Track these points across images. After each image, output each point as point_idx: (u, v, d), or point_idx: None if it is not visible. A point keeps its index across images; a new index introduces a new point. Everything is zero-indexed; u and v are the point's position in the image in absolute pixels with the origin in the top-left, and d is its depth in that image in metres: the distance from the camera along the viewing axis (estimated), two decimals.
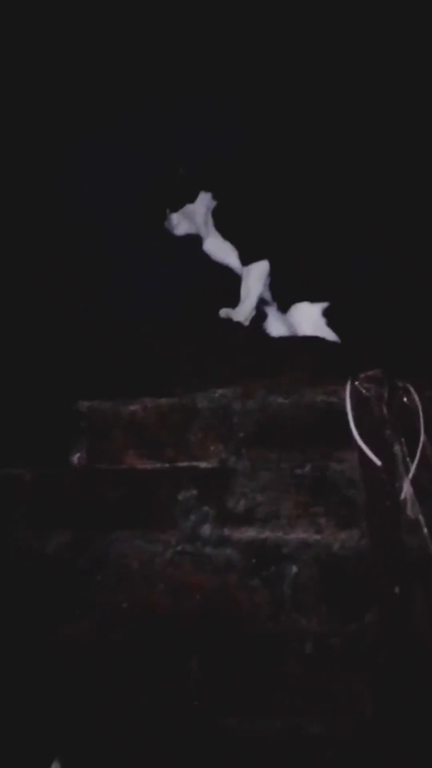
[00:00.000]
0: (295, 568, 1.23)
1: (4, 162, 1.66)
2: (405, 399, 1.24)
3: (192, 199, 1.57)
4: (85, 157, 1.69)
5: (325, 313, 1.46)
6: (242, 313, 1.46)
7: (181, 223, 1.59)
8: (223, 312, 1.50)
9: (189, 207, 1.58)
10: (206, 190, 1.58)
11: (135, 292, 1.60)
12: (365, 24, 1.69)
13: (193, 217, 1.58)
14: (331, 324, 1.45)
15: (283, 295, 1.50)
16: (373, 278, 1.49)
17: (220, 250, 1.53)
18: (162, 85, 1.74)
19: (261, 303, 1.53)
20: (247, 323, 1.49)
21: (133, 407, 1.38)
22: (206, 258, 1.57)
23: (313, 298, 1.47)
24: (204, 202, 1.57)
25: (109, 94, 1.74)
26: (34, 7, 1.72)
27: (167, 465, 1.34)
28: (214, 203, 1.56)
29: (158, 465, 1.35)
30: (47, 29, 1.74)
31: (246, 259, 1.49)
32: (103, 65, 1.74)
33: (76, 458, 1.38)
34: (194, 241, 1.60)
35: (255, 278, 1.47)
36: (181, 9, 1.73)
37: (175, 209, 1.59)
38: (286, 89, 1.72)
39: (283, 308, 1.50)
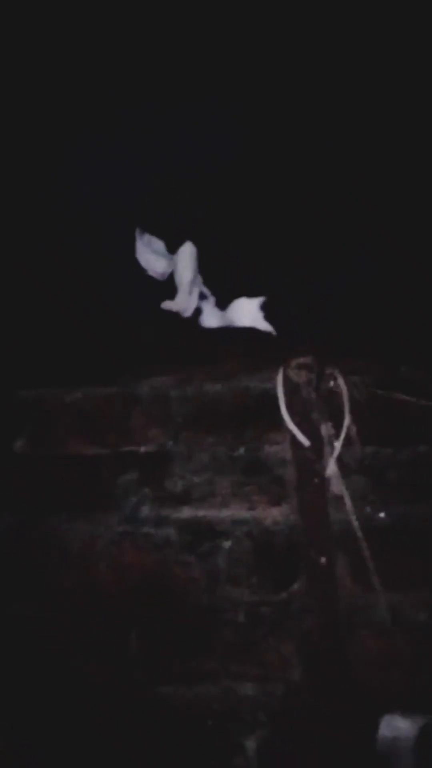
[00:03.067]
0: (228, 544, 1.37)
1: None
2: (332, 384, 1.39)
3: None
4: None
5: (263, 307, 1.61)
6: (180, 301, 1.60)
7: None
8: (165, 304, 1.64)
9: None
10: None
11: (79, 283, 1.72)
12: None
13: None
14: (267, 317, 1.60)
15: (221, 290, 1.64)
16: (307, 273, 1.65)
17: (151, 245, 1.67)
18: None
19: (200, 297, 1.67)
20: (188, 314, 1.62)
21: (76, 395, 1.51)
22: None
23: (250, 293, 1.62)
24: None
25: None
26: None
27: (109, 450, 1.47)
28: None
29: (100, 451, 1.47)
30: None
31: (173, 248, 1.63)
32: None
33: (19, 445, 1.50)
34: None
35: (183, 264, 1.60)
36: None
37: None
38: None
39: (221, 304, 1.65)
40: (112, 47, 1.83)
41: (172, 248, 1.66)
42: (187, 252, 1.59)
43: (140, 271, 1.68)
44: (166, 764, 1.30)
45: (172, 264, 1.61)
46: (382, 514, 1.35)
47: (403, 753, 1.25)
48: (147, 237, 1.67)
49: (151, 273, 1.65)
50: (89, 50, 1.83)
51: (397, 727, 1.27)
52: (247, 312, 1.60)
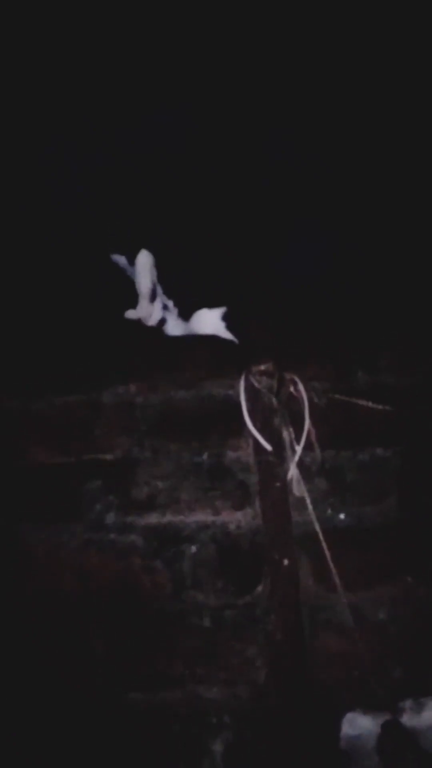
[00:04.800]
0: (193, 549, 1.39)
1: None
2: (292, 389, 1.44)
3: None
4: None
5: (224, 317, 1.65)
6: (142, 309, 1.63)
7: None
8: (129, 313, 1.67)
9: None
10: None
11: (42, 294, 1.74)
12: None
13: None
14: (228, 326, 1.65)
15: (183, 302, 1.69)
16: (266, 282, 1.71)
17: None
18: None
19: (164, 308, 1.71)
20: (152, 322, 1.66)
21: (39, 404, 1.52)
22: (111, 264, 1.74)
23: (211, 304, 1.66)
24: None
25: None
26: None
27: (73, 459, 1.48)
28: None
29: (64, 459, 1.48)
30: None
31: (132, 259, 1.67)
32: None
33: None
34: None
35: (141, 272, 1.64)
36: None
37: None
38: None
39: (184, 315, 1.69)
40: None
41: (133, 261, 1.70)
42: (144, 260, 1.63)
43: (103, 281, 1.71)
44: None
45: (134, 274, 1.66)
46: (342, 516, 1.39)
47: (366, 750, 1.29)
48: (114, 257, 1.70)
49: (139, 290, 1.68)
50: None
51: (359, 725, 1.30)
52: (209, 322, 1.64)
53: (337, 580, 1.34)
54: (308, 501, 1.38)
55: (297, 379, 1.42)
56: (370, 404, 1.40)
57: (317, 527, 1.36)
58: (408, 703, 1.31)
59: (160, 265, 1.69)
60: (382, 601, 1.36)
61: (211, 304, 1.63)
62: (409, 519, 1.39)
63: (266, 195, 1.91)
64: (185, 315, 1.66)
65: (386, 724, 1.29)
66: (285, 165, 1.94)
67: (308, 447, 1.40)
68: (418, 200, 1.88)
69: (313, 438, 1.40)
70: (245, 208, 1.87)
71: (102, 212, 1.82)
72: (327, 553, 1.35)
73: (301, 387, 1.41)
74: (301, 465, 1.39)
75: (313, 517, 1.37)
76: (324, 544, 1.35)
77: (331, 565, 1.34)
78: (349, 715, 1.31)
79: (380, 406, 1.39)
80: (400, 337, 1.50)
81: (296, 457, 1.39)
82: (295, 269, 1.75)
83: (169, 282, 1.68)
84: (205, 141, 1.94)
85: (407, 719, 1.29)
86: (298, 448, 1.39)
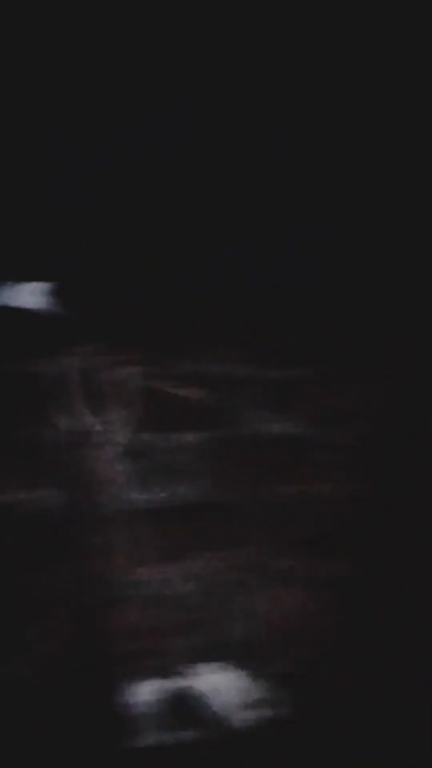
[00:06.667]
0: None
1: None
2: (113, 372, 1.42)
3: None
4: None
5: (51, 292, 1.57)
6: None
7: None
8: None
9: None
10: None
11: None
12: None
13: None
14: (56, 302, 1.57)
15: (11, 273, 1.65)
16: (97, 261, 1.66)
17: None
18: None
19: None
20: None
21: None
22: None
23: (40, 277, 1.60)
24: None
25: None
26: None
27: None
28: None
29: None
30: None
31: None
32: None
33: None
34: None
35: None
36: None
37: None
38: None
39: (11, 287, 1.61)
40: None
41: None
42: None
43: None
44: None
45: None
46: (152, 495, 1.36)
47: (157, 716, 1.28)
48: None
49: None
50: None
51: (150, 692, 1.29)
52: (36, 296, 1.61)
53: (144, 556, 1.31)
54: (120, 481, 1.36)
55: (119, 362, 1.40)
56: (188, 392, 1.35)
57: (128, 507, 1.34)
58: (197, 668, 1.29)
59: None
60: (190, 574, 1.32)
61: (40, 278, 1.58)
62: (217, 499, 1.34)
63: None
64: (13, 287, 1.60)
65: (177, 690, 1.28)
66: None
67: (124, 429, 1.37)
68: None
69: (130, 420, 1.38)
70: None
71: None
72: (136, 530, 1.32)
73: (122, 370, 1.40)
74: (116, 446, 1.36)
75: (123, 496, 1.34)
76: (134, 523, 1.33)
77: (139, 542, 1.32)
78: (140, 684, 1.28)
79: (197, 396, 1.34)
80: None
81: (112, 438, 1.37)
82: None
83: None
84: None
85: (195, 683, 1.28)
86: (115, 429, 1.37)
